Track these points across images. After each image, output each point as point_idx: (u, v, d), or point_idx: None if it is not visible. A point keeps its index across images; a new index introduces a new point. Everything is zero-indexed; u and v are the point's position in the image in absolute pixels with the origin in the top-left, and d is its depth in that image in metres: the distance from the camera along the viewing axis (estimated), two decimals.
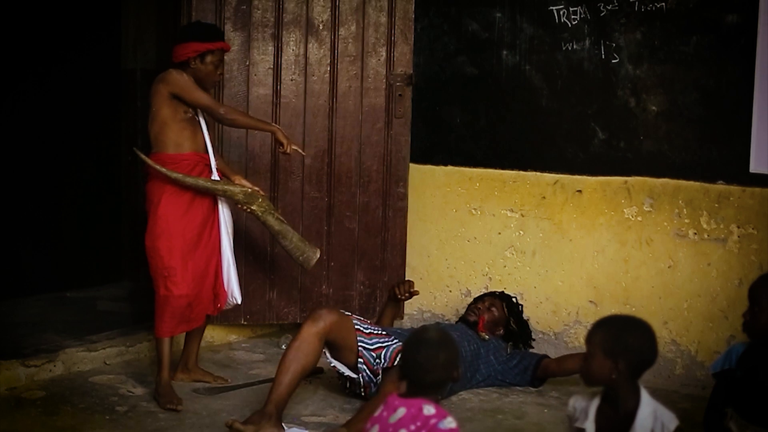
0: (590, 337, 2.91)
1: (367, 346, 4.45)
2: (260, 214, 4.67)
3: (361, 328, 4.50)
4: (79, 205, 6.54)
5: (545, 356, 4.95)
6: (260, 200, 4.67)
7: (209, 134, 4.68)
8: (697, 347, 4.88)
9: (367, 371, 4.45)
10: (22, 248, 6.22)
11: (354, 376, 4.46)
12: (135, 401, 4.47)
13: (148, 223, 4.57)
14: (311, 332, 4.30)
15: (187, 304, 4.55)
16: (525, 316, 5.17)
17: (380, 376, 4.41)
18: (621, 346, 2.83)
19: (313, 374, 4.89)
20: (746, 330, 3.55)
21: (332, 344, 4.42)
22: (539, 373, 4.85)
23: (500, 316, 4.98)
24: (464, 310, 5.10)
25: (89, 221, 6.56)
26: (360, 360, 4.43)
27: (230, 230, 4.73)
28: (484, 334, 4.86)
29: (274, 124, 4.99)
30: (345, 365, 4.47)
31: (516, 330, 4.99)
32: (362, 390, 4.51)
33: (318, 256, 4.81)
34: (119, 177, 6.65)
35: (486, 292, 5.24)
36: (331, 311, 4.44)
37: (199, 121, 4.64)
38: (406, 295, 5.02)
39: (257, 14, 5.21)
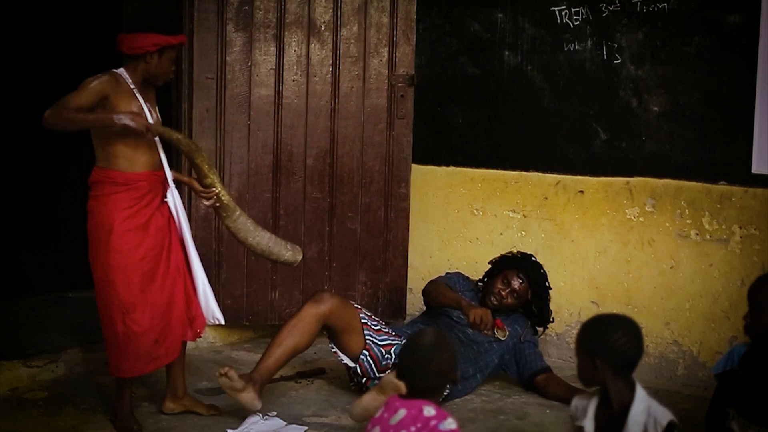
0: (576, 338, 2.97)
1: (376, 341, 4.48)
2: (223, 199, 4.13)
3: (370, 324, 4.52)
4: (79, 205, 6.54)
5: (543, 370, 4.75)
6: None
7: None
8: (699, 348, 4.87)
9: (372, 364, 4.45)
10: (23, 249, 6.22)
11: (352, 365, 4.47)
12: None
13: (96, 249, 4.00)
14: (311, 313, 4.32)
15: (153, 341, 4.05)
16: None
17: (383, 373, 4.37)
18: (598, 345, 2.87)
19: (315, 374, 4.91)
20: (748, 332, 3.54)
21: (332, 329, 4.44)
22: (534, 384, 4.76)
23: (522, 301, 4.82)
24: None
25: None
26: (365, 351, 4.44)
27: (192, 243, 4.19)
28: (498, 334, 4.73)
29: (116, 114, 3.88)
30: (345, 353, 4.47)
31: (536, 313, 4.86)
32: (362, 379, 4.48)
33: (295, 257, 4.30)
34: None
35: (515, 255, 4.93)
36: (334, 295, 4.47)
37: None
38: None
39: (259, 15, 5.21)
